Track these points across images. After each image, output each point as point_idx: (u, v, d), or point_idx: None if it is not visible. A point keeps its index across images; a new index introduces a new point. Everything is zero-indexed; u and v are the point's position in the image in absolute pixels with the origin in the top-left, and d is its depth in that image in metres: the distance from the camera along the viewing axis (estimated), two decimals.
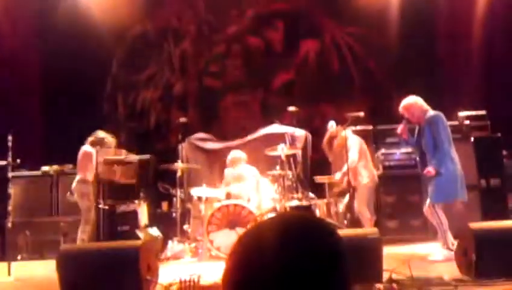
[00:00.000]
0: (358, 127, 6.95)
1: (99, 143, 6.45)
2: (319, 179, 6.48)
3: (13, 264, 5.46)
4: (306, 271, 0.89)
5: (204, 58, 9.53)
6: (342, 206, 6.42)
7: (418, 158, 5.73)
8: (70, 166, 7.38)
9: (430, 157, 5.38)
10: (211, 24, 9.49)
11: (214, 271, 5.11)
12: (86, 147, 6.56)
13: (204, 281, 4.44)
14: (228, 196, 6.68)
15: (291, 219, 1.00)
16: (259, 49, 9.55)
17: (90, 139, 6.51)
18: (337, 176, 6.34)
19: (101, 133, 6.62)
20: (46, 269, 5.78)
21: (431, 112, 5.46)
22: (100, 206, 6.16)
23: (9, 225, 5.48)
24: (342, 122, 6.67)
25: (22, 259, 6.56)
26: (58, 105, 8.80)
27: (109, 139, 6.67)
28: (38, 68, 9.20)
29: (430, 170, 5.30)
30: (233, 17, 9.53)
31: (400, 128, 5.66)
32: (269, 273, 0.89)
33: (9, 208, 5.48)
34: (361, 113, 6.19)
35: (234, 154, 7.05)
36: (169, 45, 9.52)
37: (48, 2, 8.88)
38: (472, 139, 6.96)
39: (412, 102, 5.54)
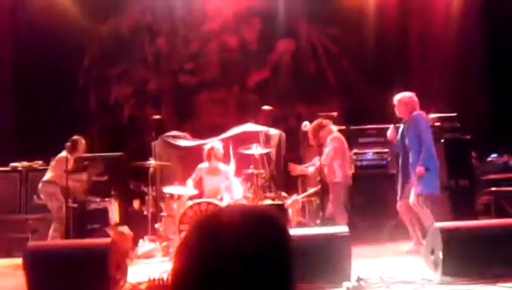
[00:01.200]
0: (334, 126, 6.99)
1: (72, 142, 6.37)
2: (292, 168, 6.42)
3: None
4: (259, 263, 0.90)
5: (180, 56, 9.46)
6: (315, 204, 6.45)
7: (400, 158, 5.83)
8: (40, 162, 7.24)
9: (414, 154, 5.55)
10: (186, 21, 9.43)
11: None
12: (63, 153, 6.43)
13: None
14: (201, 193, 6.65)
15: (245, 211, 0.99)
16: (234, 47, 9.53)
17: (67, 144, 6.38)
18: (310, 169, 6.36)
19: (75, 137, 6.55)
20: (13, 267, 5.67)
21: (416, 111, 5.65)
22: (69, 204, 6.06)
23: None
24: (317, 121, 6.69)
25: None
26: (30, 99, 8.63)
27: (82, 141, 6.59)
28: (10, 61, 9.01)
29: (420, 169, 5.44)
30: (209, 14, 9.49)
31: (389, 133, 5.85)
32: (223, 264, 0.89)
33: None
34: (335, 113, 6.23)
35: (212, 144, 6.99)
36: (143, 41, 9.42)
37: None
38: (442, 140, 7.07)
39: (410, 98, 5.72)
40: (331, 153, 6.14)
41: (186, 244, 0.96)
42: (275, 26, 9.45)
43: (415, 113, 5.63)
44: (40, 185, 6.41)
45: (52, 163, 6.52)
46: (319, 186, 6.09)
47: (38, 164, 7.20)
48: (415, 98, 5.74)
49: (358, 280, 4.10)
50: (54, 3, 8.80)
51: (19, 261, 5.55)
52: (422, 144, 5.50)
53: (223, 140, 7.26)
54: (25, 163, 7.25)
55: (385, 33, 9.11)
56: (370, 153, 7.08)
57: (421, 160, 5.46)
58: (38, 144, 7.02)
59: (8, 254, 6.39)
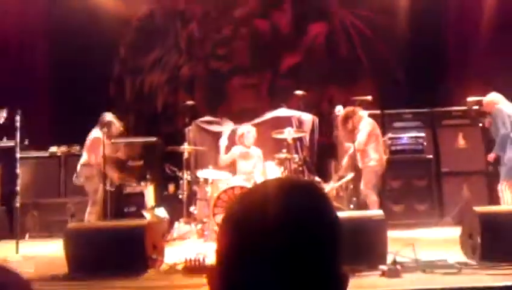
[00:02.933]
0: (367, 111, 6.92)
1: (106, 126, 6.46)
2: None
3: (21, 243, 5.53)
4: (306, 239, 0.88)
5: (212, 41, 9.49)
6: (349, 190, 6.42)
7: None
8: (78, 147, 7.41)
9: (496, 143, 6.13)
10: (218, 6, 9.44)
11: None
12: (94, 131, 6.56)
13: (210, 261, 4.47)
14: (234, 177, 6.70)
15: (293, 184, 0.98)
16: (266, 32, 9.50)
17: (99, 122, 6.50)
18: (344, 161, 6.36)
19: (108, 116, 6.62)
20: (53, 247, 5.85)
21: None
22: (107, 187, 6.19)
23: (18, 205, 5.52)
24: (349, 105, 6.64)
25: (30, 238, 6.64)
26: (67, 86, 8.82)
27: (116, 122, 6.68)
28: (48, 50, 9.22)
29: (490, 155, 6.20)
30: None
31: (487, 122, 6.51)
32: (267, 237, 0.87)
33: (18, 188, 5.52)
34: (369, 97, 6.16)
35: (245, 129, 7.02)
36: (176, 27, 9.48)
37: None
38: (480, 124, 6.92)
39: (495, 99, 6.28)
40: (364, 138, 6.10)
41: (229, 220, 0.95)
42: (307, 9, 9.36)
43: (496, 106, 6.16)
44: (78, 168, 6.57)
45: (87, 143, 6.62)
46: (353, 173, 6.06)
47: (76, 149, 7.38)
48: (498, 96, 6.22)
49: (394, 263, 4.07)
50: None
51: (59, 241, 5.74)
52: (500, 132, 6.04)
53: (255, 125, 7.28)
54: (63, 148, 7.43)
55: (418, 14, 8.90)
56: (405, 138, 6.98)
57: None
58: (75, 131, 7.18)
59: (49, 235, 6.60)
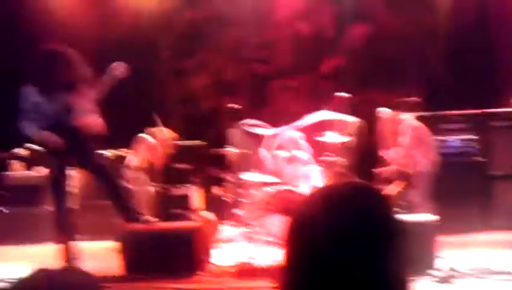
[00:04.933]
0: (413, 113, 6.82)
1: (153, 128, 6.63)
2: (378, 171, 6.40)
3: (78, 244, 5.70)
4: (368, 242, 0.90)
5: (253, 44, 9.55)
6: (395, 193, 6.34)
7: None
8: (125, 149, 7.58)
9: None
10: (260, 9, 9.49)
11: (266, 255, 5.19)
12: (142, 133, 6.73)
13: (258, 264, 4.53)
14: (280, 180, 6.72)
15: (356, 188, 1.00)
16: (307, 34, 9.49)
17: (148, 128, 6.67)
18: (389, 165, 6.27)
19: (158, 126, 6.82)
20: (108, 248, 6.02)
21: None
22: (155, 189, 6.33)
23: (76, 207, 5.71)
24: (395, 108, 6.57)
25: (87, 239, 6.81)
26: (113, 92, 9.03)
27: (164, 131, 6.85)
28: (93, 55, 9.46)
29: None
30: (282, 1, 9.49)
31: None
32: (332, 240, 0.90)
33: (76, 191, 5.71)
34: (416, 99, 6.08)
35: (288, 133, 7.05)
36: (218, 30, 9.58)
37: None
38: None
39: None
40: (409, 142, 6.02)
41: (296, 223, 0.97)
42: (349, 10, 9.30)
43: None
44: (126, 169, 6.73)
45: (135, 146, 6.80)
46: (402, 178, 5.98)
47: (123, 151, 7.54)
48: None
49: (446, 269, 4.02)
50: None
51: (109, 243, 5.92)
52: None
53: (298, 128, 7.28)
54: (115, 151, 7.61)
55: (462, 14, 8.71)
56: (455, 140, 6.84)
57: None
58: (122, 135, 7.34)
59: (100, 237, 6.78)
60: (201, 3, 9.56)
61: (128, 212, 4.78)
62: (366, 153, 7.39)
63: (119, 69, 4.88)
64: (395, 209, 0.97)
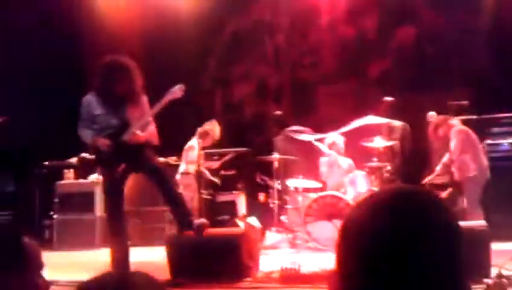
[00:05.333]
0: (461, 117, 6.65)
1: (203, 135, 6.74)
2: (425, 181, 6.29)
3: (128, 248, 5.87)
4: (425, 248, 0.88)
5: (298, 50, 9.57)
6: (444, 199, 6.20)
7: None
8: (174, 158, 7.75)
9: None
10: (303, 15, 9.49)
11: (313, 261, 5.18)
12: (191, 141, 6.87)
13: (303, 270, 4.52)
14: (325, 186, 6.71)
15: (411, 193, 0.97)
16: (352, 39, 9.41)
17: (197, 131, 6.78)
18: (437, 169, 6.15)
19: (207, 125, 6.91)
20: (154, 253, 6.18)
21: None
22: (203, 196, 6.45)
23: (127, 213, 5.87)
24: (442, 111, 6.43)
25: (132, 245, 7.02)
26: (157, 98, 9.24)
27: (214, 130, 6.92)
28: (139, 65, 9.72)
29: None
30: (325, 6, 9.47)
31: None
32: (385, 245, 0.89)
33: (126, 197, 5.86)
34: (464, 102, 5.93)
35: (334, 139, 7.03)
36: (263, 38, 9.66)
37: None
38: None
39: None
40: (458, 146, 5.87)
41: (347, 228, 0.97)
42: (394, 13, 9.16)
43: None
44: (177, 176, 6.88)
45: (184, 153, 6.95)
46: (451, 184, 5.84)
47: (173, 159, 7.73)
48: None
49: (499, 277, 3.89)
50: (178, 8, 9.35)
51: (158, 249, 6.06)
52: None
53: (344, 133, 7.25)
54: (161, 159, 7.81)
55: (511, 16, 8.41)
56: (505, 144, 6.61)
57: None
58: (169, 142, 7.50)
59: (149, 243, 6.96)
60: (245, 12, 9.68)
61: (184, 217, 4.87)
62: (412, 157, 7.27)
63: (178, 92, 5.01)
64: (452, 214, 0.96)
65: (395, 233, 0.89)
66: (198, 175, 6.51)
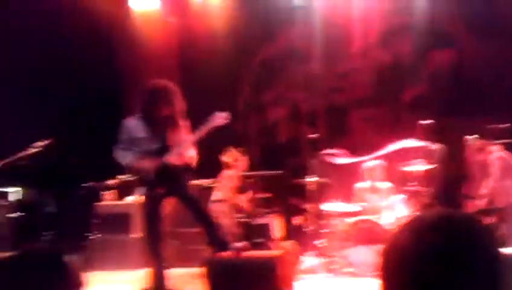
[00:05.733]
0: (502, 141, 6.51)
1: (227, 166, 6.85)
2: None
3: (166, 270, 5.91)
4: (468, 273, 0.89)
5: (331, 75, 9.59)
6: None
7: None
8: (208, 181, 7.82)
9: None
10: (335, 40, 9.54)
11: (348, 287, 5.11)
12: (226, 170, 6.92)
13: None
14: (362, 210, 6.63)
15: (454, 217, 0.98)
16: (387, 62, 9.39)
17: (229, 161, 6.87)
18: (479, 194, 6.02)
19: (225, 158, 7.01)
20: (192, 274, 6.19)
21: None
22: (240, 219, 6.47)
23: (165, 234, 5.93)
24: (482, 136, 6.32)
25: (169, 266, 7.07)
26: (194, 123, 9.41)
27: (236, 159, 7.01)
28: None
29: None
30: (358, 31, 9.49)
31: None
32: (429, 268, 0.89)
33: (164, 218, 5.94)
34: (507, 125, 5.81)
35: (371, 164, 6.99)
36: (295, 64, 9.74)
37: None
38: None
39: None
40: (498, 173, 5.75)
41: (391, 250, 0.97)
42: (430, 36, 9.11)
43: None
44: (209, 205, 6.93)
45: (217, 179, 7.02)
46: (492, 211, 5.71)
47: (206, 182, 7.79)
48: None
49: None
50: (212, 35, 9.55)
51: (196, 270, 6.08)
52: None
53: (380, 157, 7.18)
54: (196, 182, 7.89)
55: None
56: None
57: None
58: (204, 165, 7.58)
59: (187, 264, 6.99)
60: (277, 38, 9.80)
61: (219, 241, 4.92)
62: (452, 181, 7.13)
63: (222, 120, 5.12)
64: (495, 240, 0.95)
65: (440, 257, 0.89)
66: (233, 198, 6.56)
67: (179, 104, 5.00)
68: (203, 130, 5.05)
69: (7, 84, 7.91)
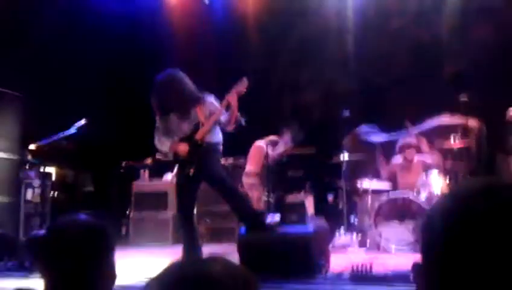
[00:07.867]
0: None
1: (273, 143, 6.86)
2: None
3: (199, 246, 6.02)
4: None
5: (368, 53, 9.42)
6: None
7: None
8: (242, 160, 7.87)
9: None
10: (373, 20, 9.34)
11: (383, 262, 5.09)
12: (258, 142, 6.98)
13: (373, 270, 4.45)
14: (396, 186, 6.57)
15: (500, 184, 0.93)
16: (425, 40, 9.14)
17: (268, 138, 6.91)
18: None
19: (272, 137, 7.03)
20: (225, 250, 6.29)
21: None
22: (269, 198, 6.51)
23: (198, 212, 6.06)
24: None
25: (203, 244, 7.21)
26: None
27: (284, 138, 7.04)
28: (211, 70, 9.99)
29: None
30: (396, 10, 9.27)
31: None
32: (470, 235, 0.86)
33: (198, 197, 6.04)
34: None
35: (406, 140, 6.89)
36: (332, 45, 9.60)
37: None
38: None
39: None
40: None
41: (433, 217, 0.93)
42: (469, 10, 8.81)
43: None
44: (243, 177, 7.00)
45: (250, 153, 7.07)
46: None
47: (241, 161, 7.85)
48: None
49: None
50: (245, 13, 9.52)
51: (227, 247, 6.19)
52: None
53: (416, 134, 7.06)
54: (231, 160, 7.96)
55: None
56: None
57: None
58: (238, 144, 7.62)
59: (219, 241, 7.10)
60: (312, 18, 9.68)
61: (251, 218, 5.00)
62: (489, 157, 6.96)
63: (241, 86, 5.20)
64: None
65: (485, 224, 0.86)
66: (265, 175, 6.59)
67: (185, 88, 5.08)
68: (227, 100, 5.15)
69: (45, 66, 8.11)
